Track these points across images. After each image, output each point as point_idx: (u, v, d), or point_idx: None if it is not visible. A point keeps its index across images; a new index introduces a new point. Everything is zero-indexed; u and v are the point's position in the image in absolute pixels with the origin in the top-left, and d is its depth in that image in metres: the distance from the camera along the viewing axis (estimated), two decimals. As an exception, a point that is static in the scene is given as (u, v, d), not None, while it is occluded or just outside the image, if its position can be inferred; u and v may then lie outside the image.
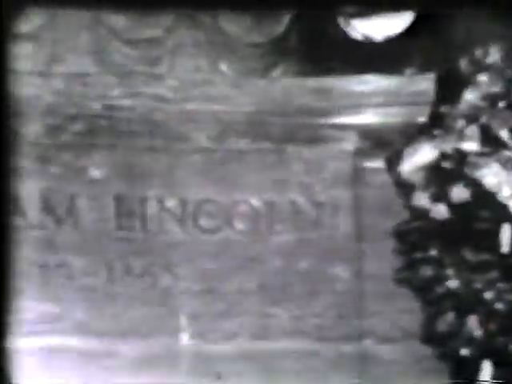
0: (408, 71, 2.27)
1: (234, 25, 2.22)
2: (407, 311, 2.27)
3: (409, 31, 2.21)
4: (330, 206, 2.27)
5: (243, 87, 2.23)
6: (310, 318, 2.27)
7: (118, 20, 2.20)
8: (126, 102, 2.21)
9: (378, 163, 2.27)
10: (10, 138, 2.03)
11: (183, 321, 2.28)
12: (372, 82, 2.22)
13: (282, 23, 2.22)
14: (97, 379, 2.23)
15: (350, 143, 2.26)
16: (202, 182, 2.27)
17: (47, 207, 2.25)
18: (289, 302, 2.27)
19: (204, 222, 2.29)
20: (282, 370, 2.27)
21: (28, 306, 2.18)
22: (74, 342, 2.23)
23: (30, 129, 2.18)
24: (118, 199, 2.27)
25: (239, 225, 2.28)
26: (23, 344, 2.12)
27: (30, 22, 2.15)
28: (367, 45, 2.23)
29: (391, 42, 2.22)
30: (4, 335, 1.86)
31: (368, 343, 2.29)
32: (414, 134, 2.27)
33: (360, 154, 2.27)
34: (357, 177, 2.26)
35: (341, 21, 2.22)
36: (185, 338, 2.28)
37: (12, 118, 2.13)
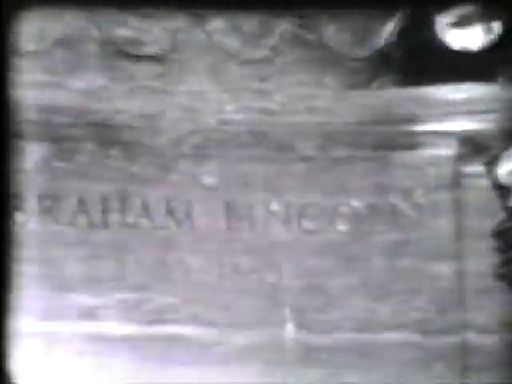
0: (501, 79, 2.30)
1: (337, 41, 2.30)
2: (507, 304, 2.30)
3: (502, 40, 2.25)
4: (430, 208, 2.33)
5: (346, 99, 2.32)
6: (412, 312, 2.32)
7: (233, 43, 2.32)
8: (238, 117, 2.33)
9: (476, 167, 2.32)
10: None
11: (288, 313, 2.37)
12: (468, 90, 2.28)
13: (383, 37, 2.29)
14: (209, 365, 2.35)
15: (450, 149, 2.32)
16: (306, 188, 2.36)
17: (168, 210, 2.38)
18: (391, 297, 2.33)
19: (307, 223, 2.38)
20: (384, 361, 2.33)
21: (151, 298, 2.35)
22: (189, 330, 2.35)
23: (156, 141, 2.34)
24: (229, 203, 2.39)
25: (342, 226, 2.36)
26: (147, 331, 2.34)
27: (156, 45, 2.31)
28: (464, 54, 2.27)
29: (486, 51, 2.26)
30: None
31: (469, 335, 2.33)
32: (510, 139, 2.31)
33: (460, 159, 2.33)
34: (457, 180, 2.32)
35: (439, 32, 2.27)
36: (290, 329, 2.37)
37: (141, 132, 2.34)
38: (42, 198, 2.35)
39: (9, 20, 2.18)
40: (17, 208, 2.31)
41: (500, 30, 2.27)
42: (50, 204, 2.36)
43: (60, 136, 2.35)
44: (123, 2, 2.36)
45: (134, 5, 2.35)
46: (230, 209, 2.39)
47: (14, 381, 2.11)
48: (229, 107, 2.33)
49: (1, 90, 2.10)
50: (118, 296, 2.37)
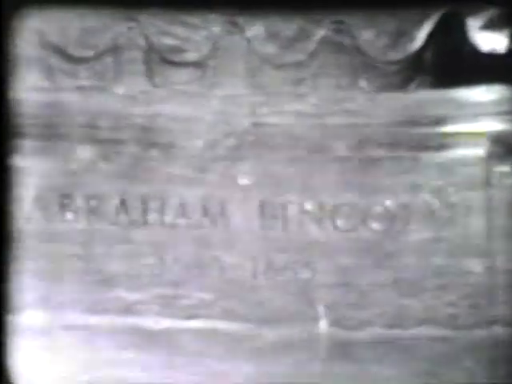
0: None
1: (372, 45, 2.35)
2: None
3: None
4: (462, 206, 2.35)
5: (379, 101, 2.36)
6: (443, 307, 2.35)
7: (270, 48, 2.37)
8: (272, 119, 2.38)
9: (507, 167, 2.34)
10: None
11: (321, 310, 2.40)
12: (498, 92, 2.31)
13: (417, 41, 2.33)
14: (243, 359, 2.39)
15: (481, 149, 2.35)
16: (339, 188, 2.40)
17: (204, 210, 2.42)
18: (423, 293, 2.36)
19: (341, 222, 2.41)
20: (415, 355, 2.35)
21: (188, 294, 2.40)
22: (224, 325, 2.40)
23: (193, 143, 2.40)
24: (263, 203, 2.43)
25: (375, 225, 2.39)
26: (183, 326, 2.38)
27: (196, 52, 2.36)
28: (493, 56, 2.31)
29: None
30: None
31: (498, 329, 2.35)
32: None
33: (490, 158, 2.35)
34: (487, 180, 2.35)
35: (469, 35, 2.30)
36: (323, 325, 2.40)
37: (180, 135, 2.39)
38: (88, 197, 2.42)
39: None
40: (66, 207, 2.41)
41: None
42: (95, 204, 2.42)
43: (104, 139, 2.41)
44: (167, 11, 2.39)
45: (177, 14, 2.39)
46: (263, 208, 2.43)
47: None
48: (263, 110, 2.38)
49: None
50: (157, 291, 2.41)
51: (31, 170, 2.43)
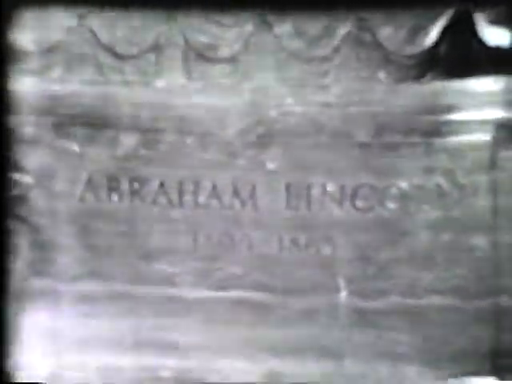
0: None
1: (390, 40, 2.42)
2: None
3: None
4: (470, 187, 2.43)
5: (396, 92, 2.44)
6: (452, 279, 2.43)
7: (297, 44, 2.44)
8: (298, 109, 2.46)
9: (511, 152, 2.43)
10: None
11: (341, 282, 2.48)
12: (504, 82, 2.38)
13: (431, 36, 2.40)
14: (270, 327, 2.47)
15: (488, 135, 2.42)
16: (359, 170, 2.47)
17: (235, 192, 2.50)
18: (434, 267, 2.44)
19: (360, 202, 2.48)
20: (427, 322, 2.42)
21: (220, 267, 2.49)
22: (252, 296, 2.48)
23: (225, 131, 2.48)
24: (288, 185, 2.50)
25: (391, 204, 2.46)
26: (216, 296, 2.48)
27: (229, 48, 2.45)
28: (500, 50, 2.37)
29: None
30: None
31: (503, 299, 2.42)
32: None
33: (496, 144, 2.42)
34: (493, 163, 2.42)
35: (478, 30, 2.37)
36: (343, 296, 2.47)
37: (213, 124, 2.49)
38: (131, 180, 2.51)
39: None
40: (113, 189, 2.51)
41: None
42: (138, 186, 2.51)
43: (146, 128, 2.50)
44: (202, 12, 2.48)
45: (211, 14, 2.48)
46: (289, 190, 2.50)
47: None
48: (290, 100, 2.46)
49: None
50: (192, 265, 2.50)
51: (84, 155, 2.53)
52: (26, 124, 2.52)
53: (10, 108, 2.51)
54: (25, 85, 2.50)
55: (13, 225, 2.51)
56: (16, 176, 2.50)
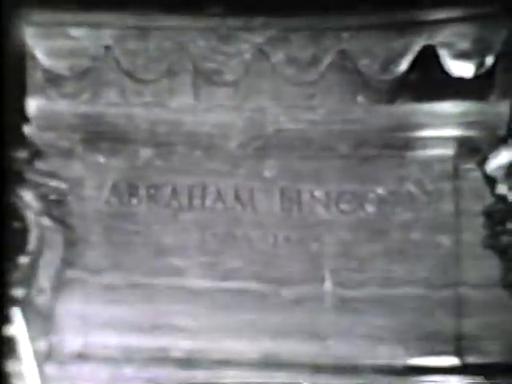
0: (492, 98, 2.51)
1: (368, 69, 2.52)
2: (493, 266, 2.50)
3: (493, 68, 2.48)
4: (436, 193, 2.53)
5: (374, 112, 2.54)
6: (421, 272, 2.51)
7: (290, 70, 2.52)
8: (290, 126, 2.54)
9: (471, 164, 2.54)
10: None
11: (327, 273, 2.54)
12: (464, 106, 2.49)
13: (402, 65, 2.50)
14: (267, 313, 2.54)
15: (451, 150, 2.53)
16: (342, 179, 2.55)
17: (237, 196, 2.57)
18: (405, 261, 2.52)
19: (343, 206, 2.56)
20: (400, 309, 2.50)
21: (224, 261, 2.56)
22: (252, 286, 2.55)
23: (228, 144, 2.57)
24: (282, 191, 2.57)
25: (370, 208, 2.55)
26: (220, 286, 2.55)
27: (232, 74, 2.53)
28: (461, 79, 2.49)
29: (478, 77, 2.48)
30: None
31: (463, 289, 2.51)
32: (496, 143, 2.52)
33: (458, 157, 2.53)
34: (456, 173, 2.53)
35: (442, 62, 2.48)
36: (328, 286, 2.53)
37: (217, 138, 2.51)
38: (148, 187, 2.58)
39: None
40: (133, 194, 2.58)
41: (491, 64, 2.48)
42: (153, 192, 2.58)
43: (160, 142, 2.58)
44: (209, 43, 2.54)
45: (217, 44, 2.55)
46: (283, 194, 2.55)
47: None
48: (283, 119, 2.54)
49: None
50: (199, 259, 2.57)
51: (109, 165, 2.60)
52: (61, 139, 2.60)
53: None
54: (61, 106, 2.58)
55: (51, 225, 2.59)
56: (54, 183, 2.59)
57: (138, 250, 2.59)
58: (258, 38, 2.55)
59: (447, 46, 2.49)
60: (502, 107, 2.50)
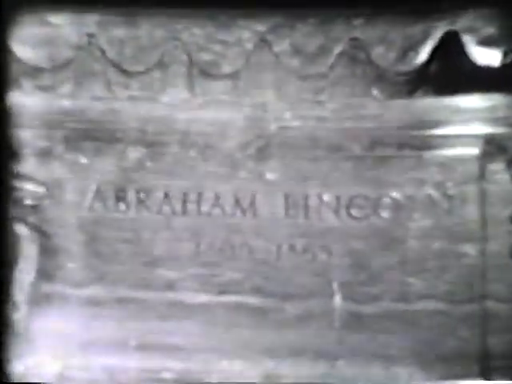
0: None
1: (383, 59, 2.47)
2: None
3: None
4: (459, 198, 2.47)
5: (389, 107, 2.48)
6: (442, 285, 2.46)
7: (295, 62, 2.48)
8: (295, 123, 2.50)
9: (498, 164, 2.47)
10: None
11: (336, 287, 2.50)
12: (492, 99, 2.43)
13: (422, 55, 2.44)
14: (267, 330, 2.50)
15: (477, 149, 2.47)
16: (353, 182, 2.50)
17: (236, 201, 2.53)
18: (424, 273, 2.46)
19: (354, 211, 2.51)
20: (417, 326, 2.45)
21: (221, 273, 2.51)
22: (251, 300, 2.51)
23: (226, 144, 2.52)
24: (287, 195, 2.53)
25: (384, 214, 2.49)
26: (216, 300, 2.50)
27: (230, 66, 2.49)
28: (488, 69, 2.43)
29: (506, 67, 2.42)
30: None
31: (489, 304, 2.45)
32: None
33: (484, 157, 2.47)
34: (481, 175, 2.47)
35: (467, 50, 2.42)
36: (337, 300, 2.49)
37: (215, 137, 2.49)
38: (138, 191, 2.54)
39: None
40: (120, 199, 2.54)
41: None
42: (143, 196, 2.54)
43: (151, 141, 2.54)
44: (205, 31, 2.49)
45: (214, 33, 2.49)
46: (287, 200, 2.53)
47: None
48: (288, 115, 2.50)
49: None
50: (194, 271, 2.53)
51: (92, 167, 2.55)
52: (38, 137, 2.55)
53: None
54: (37, 100, 2.53)
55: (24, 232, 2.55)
56: (29, 186, 2.54)
57: (125, 260, 2.55)
58: (260, 26, 2.51)
59: (472, 31, 2.45)
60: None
